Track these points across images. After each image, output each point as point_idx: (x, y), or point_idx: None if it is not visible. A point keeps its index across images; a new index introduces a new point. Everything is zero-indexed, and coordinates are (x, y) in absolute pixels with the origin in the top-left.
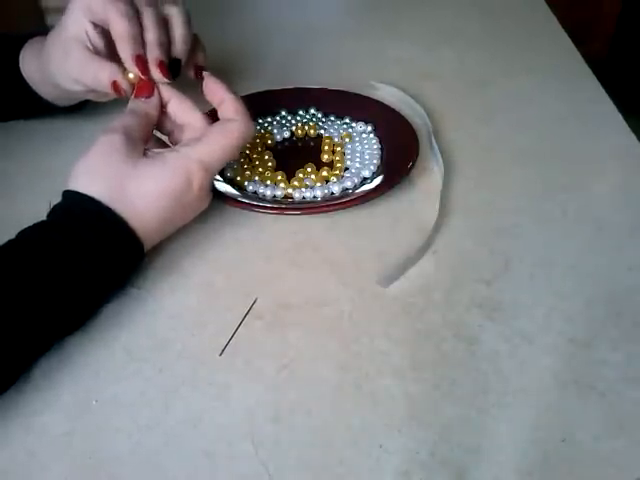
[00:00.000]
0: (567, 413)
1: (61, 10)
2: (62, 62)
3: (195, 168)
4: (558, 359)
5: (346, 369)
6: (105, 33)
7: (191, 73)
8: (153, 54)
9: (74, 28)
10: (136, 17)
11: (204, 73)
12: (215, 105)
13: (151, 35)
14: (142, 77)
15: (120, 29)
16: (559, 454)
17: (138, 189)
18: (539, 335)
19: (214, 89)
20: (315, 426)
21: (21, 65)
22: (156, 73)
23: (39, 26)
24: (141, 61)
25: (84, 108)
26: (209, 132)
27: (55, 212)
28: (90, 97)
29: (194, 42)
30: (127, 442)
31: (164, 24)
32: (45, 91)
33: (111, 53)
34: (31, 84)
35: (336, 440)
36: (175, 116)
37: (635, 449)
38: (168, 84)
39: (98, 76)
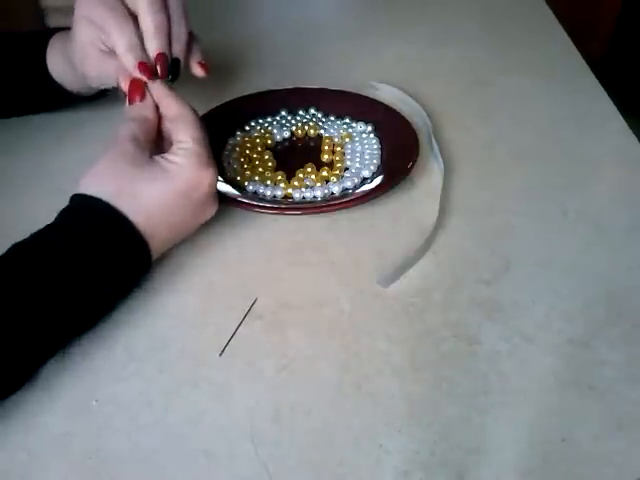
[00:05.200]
0: (567, 413)
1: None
2: (81, 65)
3: (205, 165)
4: (558, 359)
5: (346, 369)
6: None
7: (196, 71)
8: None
9: (84, 36)
10: (134, 22)
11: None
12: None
13: (149, 43)
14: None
15: (120, 43)
16: (559, 454)
17: (147, 190)
18: (539, 335)
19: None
20: (315, 426)
21: (48, 60)
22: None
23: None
24: (144, 67)
25: (92, 102)
26: (187, 141)
27: (60, 214)
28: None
29: (189, 38)
30: (127, 442)
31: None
32: (71, 83)
33: None
34: (56, 77)
35: (336, 440)
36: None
37: (635, 449)
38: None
39: (113, 76)
